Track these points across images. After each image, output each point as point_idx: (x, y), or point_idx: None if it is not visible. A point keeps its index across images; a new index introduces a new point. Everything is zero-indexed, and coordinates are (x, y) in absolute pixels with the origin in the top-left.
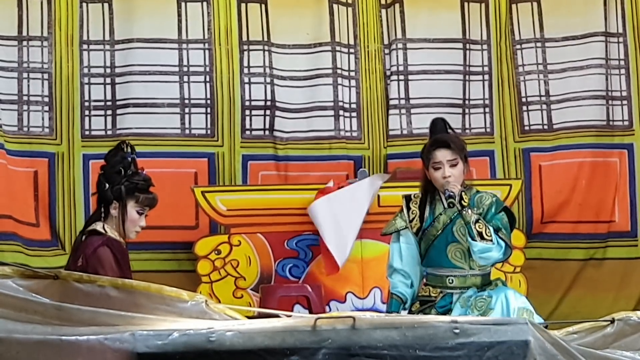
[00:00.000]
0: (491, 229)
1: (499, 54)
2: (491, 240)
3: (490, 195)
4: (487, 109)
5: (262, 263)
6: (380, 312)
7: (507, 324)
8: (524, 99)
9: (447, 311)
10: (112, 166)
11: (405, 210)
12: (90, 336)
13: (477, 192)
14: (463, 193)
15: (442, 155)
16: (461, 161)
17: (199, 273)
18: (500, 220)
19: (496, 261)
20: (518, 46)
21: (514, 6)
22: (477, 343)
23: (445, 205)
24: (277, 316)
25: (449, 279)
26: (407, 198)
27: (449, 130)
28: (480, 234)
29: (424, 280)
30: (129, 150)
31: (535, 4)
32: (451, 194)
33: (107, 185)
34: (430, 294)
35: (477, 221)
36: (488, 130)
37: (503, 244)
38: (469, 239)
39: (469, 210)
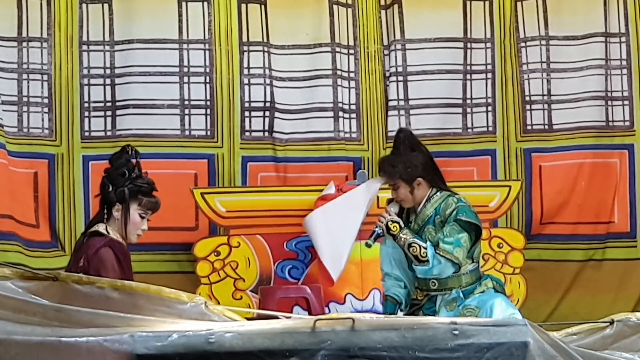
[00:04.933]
0: (427, 247)
1: (503, 53)
2: (427, 261)
3: (454, 202)
4: (489, 108)
5: (261, 264)
6: (380, 313)
7: (506, 326)
8: (527, 98)
9: (433, 313)
10: (116, 168)
11: None
12: (90, 338)
13: (449, 195)
14: (390, 222)
15: (384, 177)
16: (403, 183)
17: (198, 274)
18: (444, 233)
19: (448, 274)
20: (523, 44)
21: (519, 4)
22: (476, 344)
23: (370, 243)
24: (276, 317)
25: (431, 282)
26: (390, 202)
27: (407, 146)
28: (416, 257)
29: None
30: (133, 153)
31: (540, 1)
32: (376, 230)
33: (110, 187)
34: (417, 297)
35: (410, 245)
36: (490, 129)
37: (442, 259)
38: (412, 264)
39: (399, 235)
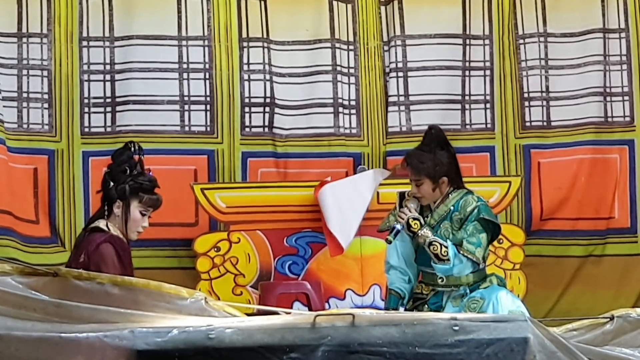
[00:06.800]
0: (449, 246)
1: (502, 49)
2: (448, 260)
3: (475, 200)
4: (488, 105)
5: (261, 260)
6: (380, 309)
7: (506, 321)
8: (525, 95)
9: (439, 308)
10: (118, 165)
11: (398, 208)
12: (90, 333)
13: (467, 193)
14: (410, 219)
15: (409, 171)
16: (428, 180)
17: (198, 270)
18: (468, 232)
19: (466, 273)
20: (521, 41)
21: (517, 1)
22: (476, 340)
23: (391, 239)
24: (276, 313)
25: (439, 278)
26: (402, 195)
27: (437, 144)
28: (436, 256)
29: (420, 277)
30: (136, 150)
31: None
32: (397, 227)
33: (112, 183)
34: (422, 291)
35: (430, 244)
36: (489, 126)
37: (464, 259)
38: (431, 262)
39: (420, 232)
